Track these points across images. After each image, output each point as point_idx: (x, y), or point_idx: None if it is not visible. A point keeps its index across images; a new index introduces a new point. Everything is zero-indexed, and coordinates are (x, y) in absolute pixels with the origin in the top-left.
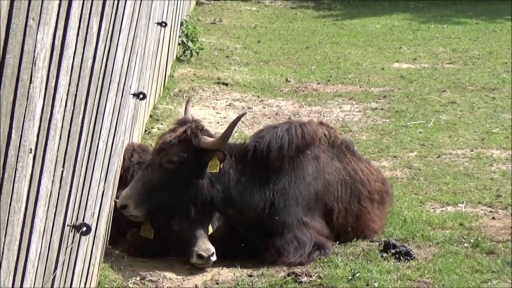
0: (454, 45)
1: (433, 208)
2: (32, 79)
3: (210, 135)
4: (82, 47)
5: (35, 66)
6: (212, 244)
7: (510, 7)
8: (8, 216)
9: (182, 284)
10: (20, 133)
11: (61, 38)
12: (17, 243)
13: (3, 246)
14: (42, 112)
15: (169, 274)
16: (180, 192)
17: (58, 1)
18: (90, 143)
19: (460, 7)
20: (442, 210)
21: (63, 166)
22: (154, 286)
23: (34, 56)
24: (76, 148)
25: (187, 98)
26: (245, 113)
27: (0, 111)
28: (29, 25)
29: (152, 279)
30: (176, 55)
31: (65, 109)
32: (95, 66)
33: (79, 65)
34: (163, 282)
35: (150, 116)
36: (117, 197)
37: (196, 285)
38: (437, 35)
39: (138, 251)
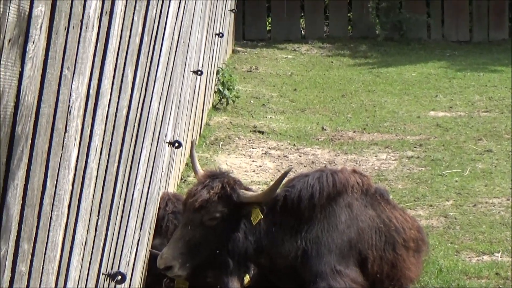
0: (490, 93)
1: (469, 257)
2: (67, 128)
3: (245, 188)
4: (117, 96)
5: (70, 115)
6: None
7: None
8: (43, 265)
9: None
10: (55, 182)
11: (96, 87)
12: None
13: None
14: (77, 161)
15: None
16: (219, 247)
17: (93, 51)
18: (125, 192)
19: (496, 55)
20: (478, 259)
21: (98, 215)
22: None
23: (69, 106)
24: (111, 196)
25: (190, 143)
26: (291, 168)
27: (36, 160)
28: (64, 74)
29: None
30: (212, 103)
31: (100, 157)
32: (130, 115)
33: (114, 114)
34: None
35: (186, 164)
36: (152, 247)
37: None
38: (473, 83)
39: None
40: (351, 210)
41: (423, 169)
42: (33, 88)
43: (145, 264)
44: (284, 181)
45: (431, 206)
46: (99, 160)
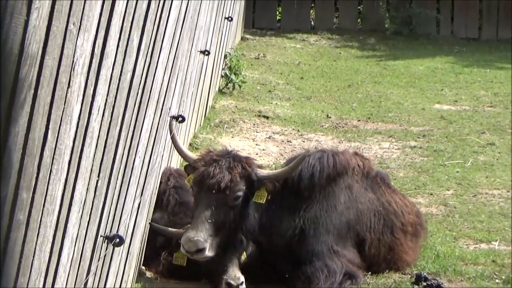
0: (496, 89)
1: (467, 244)
2: (71, 84)
3: (259, 166)
4: (121, 59)
5: (73, 71)
6: (243, 270)
7: None
8: (41, 217)
9: None
10: (56, 136)
11: (101, 46)
12: (49, 245)
13: (35, 246)
14: (79, 118)
15: None
16: (238, 225)
17: (99, 10)
18: (126, 157)
19: (504, 53)
20: (475, 247)
21: (98, 176)
22: None
23: (73, 61)
24: (112, 159)
25: (169, 127)
26: (311, 148)
27: (38, 110)
28: (69, 29)
29: None
30: (219, 87)
31: (102, 118)
32: (134, 80)
33: (118, 76)
34: None
35: (190, 144)
36: (152, 220)
37: None
38: (480, 79)
39: (171, 274)
40: (351, 191)
41: (425, 159)
42: (37, 38)
43: (144, 235)
44: (284, 160)
45: (431, 194)
46: (101, 121)
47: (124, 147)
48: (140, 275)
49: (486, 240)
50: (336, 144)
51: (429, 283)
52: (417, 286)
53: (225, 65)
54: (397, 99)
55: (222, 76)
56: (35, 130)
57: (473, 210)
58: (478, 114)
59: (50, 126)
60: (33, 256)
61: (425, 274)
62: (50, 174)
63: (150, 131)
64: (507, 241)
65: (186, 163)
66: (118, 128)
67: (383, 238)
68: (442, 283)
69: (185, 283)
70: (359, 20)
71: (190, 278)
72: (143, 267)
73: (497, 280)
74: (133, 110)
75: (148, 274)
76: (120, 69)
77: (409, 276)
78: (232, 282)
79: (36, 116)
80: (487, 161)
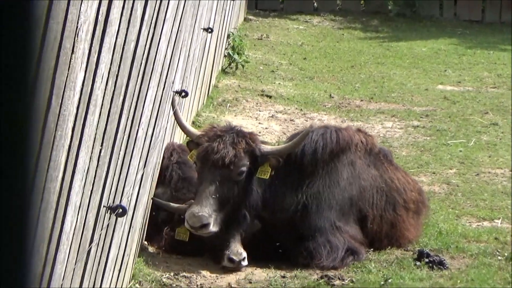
0: (499, 71)
1: (469, 222)
2: (74, 50)
3: (263, 142)
4: (125, 28)
5: (77, 37)
6: (246, 246)
7: None
8: (44, 183)
9: (215, 281)
10: (60, 102)
11: (104, 14)
12: (53, 211)
13: (39, 212)
14: (82, 85)
15: (203, 272)
16: (242, 200)
17: None
18: (129, 128)
19: (507, 35)
20: (478, 225)
21: (102, 145)
22: (187, 282)
23: (77, 27)
24: (115, 129)
25: (171, 102)
26: (315, 124)
27: (41, 75)
28: None
29: (186, 275)
30: (222, 67)
31: (106, 87)
32: (137, 50)
33: (122, 45)
34: (196, 278)
35: (193, 122)
36: (155, 196)
37: (229, 284)
38: (483, 60)
39: (173, 249)
40: (354, 168)
41: (428, 138)
42: (42, 1)
43: (147, 209)
44: (288, 136)
45: (434, 173)
46: (105, 89)
47: (128, 117)
48: (142, 249)
49: (489, 218)
50: (339, 123)
51: (431, 259)
52: (419, 263)
53: (228, 44)
54: (400, 80)
55: (225, 56)
56: (39, 94)
57: (476, 189)
58: (482, 95)
59: (54, 92)
60: (37, 222)
61: (427, 250)
62: (54, 140)
63: (154, 104)
64: (510, 219)
65: (189, 139)
66: (121, 97)
67: (385, 215)
68: (444, 260)
69: (187, 258)
70: (362, 1)
71: (192, 253)
72: (145, 242)
73: (499, 257)
74: (137, 81)
75: (150, 249)
76: (123, 38)
77: (412, 253)
78: (234, 257)
79: (39, 80)
80: (490, 140)
